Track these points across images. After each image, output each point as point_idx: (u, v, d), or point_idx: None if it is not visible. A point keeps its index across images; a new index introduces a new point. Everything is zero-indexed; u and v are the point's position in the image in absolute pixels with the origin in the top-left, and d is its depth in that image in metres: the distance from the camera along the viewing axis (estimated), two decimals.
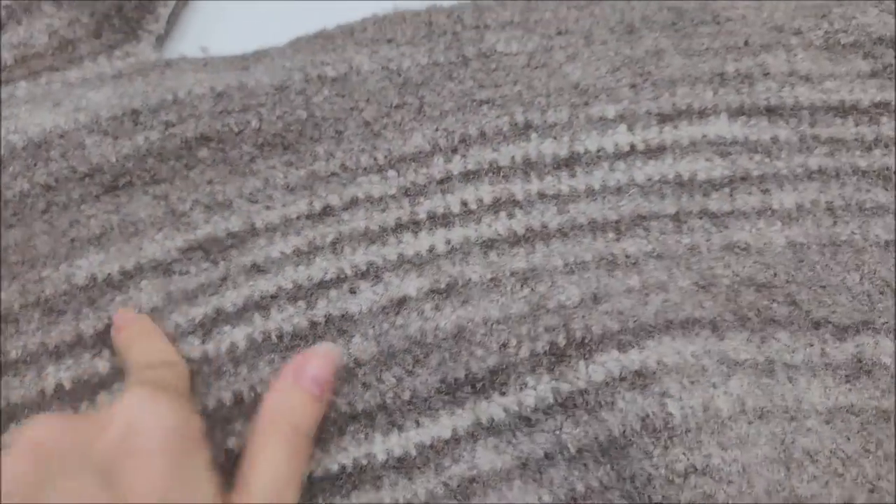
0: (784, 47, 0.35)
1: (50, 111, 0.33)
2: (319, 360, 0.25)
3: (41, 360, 0.29)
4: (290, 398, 0.24)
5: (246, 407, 0.28)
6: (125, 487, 0.20)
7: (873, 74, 0.35)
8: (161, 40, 0.39)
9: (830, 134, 0.33)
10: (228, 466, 0.25)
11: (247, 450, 0.24)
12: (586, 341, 0.28)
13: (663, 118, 0.34)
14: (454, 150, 0.33)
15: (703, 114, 0.34)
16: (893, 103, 0.34)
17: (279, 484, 0.22)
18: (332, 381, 0.27)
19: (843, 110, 0.34)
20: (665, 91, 0.34)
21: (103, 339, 0.30)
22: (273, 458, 0.23)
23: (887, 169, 0.32)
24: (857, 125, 0.33)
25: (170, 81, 0.35)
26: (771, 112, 0.34)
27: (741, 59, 0.35)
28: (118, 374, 0.29)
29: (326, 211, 0.32)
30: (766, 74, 0.35)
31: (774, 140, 0.33)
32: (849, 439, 0.27)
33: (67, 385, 0.29)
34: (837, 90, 0.34)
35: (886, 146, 0.33)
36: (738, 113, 0.34)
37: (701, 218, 0.32)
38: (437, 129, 0.34)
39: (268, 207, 0.32)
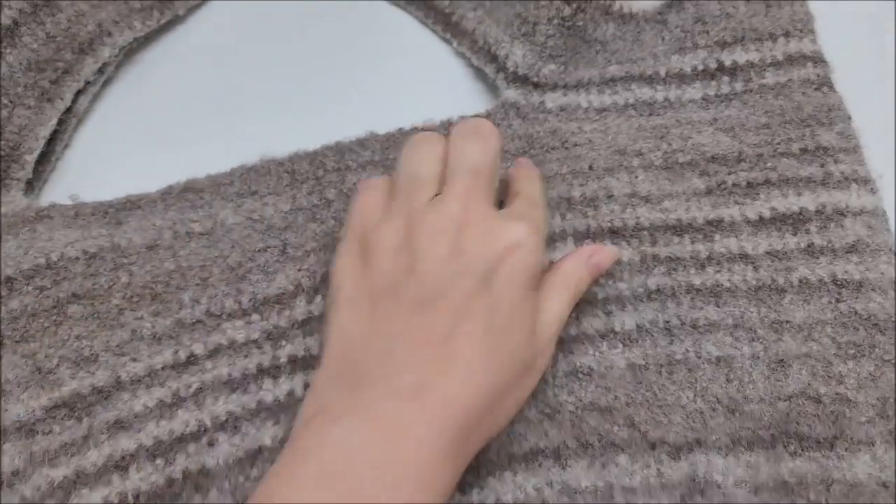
0: (626, 169, 0.38)
1: None
2: (606, 253, 0.33)
3: None
4: (581, 268, 0.32)
5: None
6: None
7: (708, 192, 0.37)
8: (31, 184, 0.40)
9: (668, 253, 0.35)
10: None
11: (542, 291, 0.31)
12: None
13: None
14: (316, 290, 0.35)
15: (550, 240, 0.36)
16: (725, 220, 0.36)
17: (559, 323, 0.30)
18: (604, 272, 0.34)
19: (679, 229, 0.36)
20: None
21: None
22: (560, 302, 0.31)
23: (718, 286, 0.34)
24: (692, 243, 0.36)
25: (41, 242, 0.36)
26: (614, 234, 0.36)
27: (587, 183, 0.37)
28: None
29: (191, 360, 0.33)
30: (610, 197, 0.37)
31: (617, 262, 0.35)
32: None
33: None
34: (675, 209, 0.36)
35: (718, 263, 0.35)
36: (583, 237, 0.36)
37: None
38: (299, 270, 0.35)
39: (134, 359, 0.33)
